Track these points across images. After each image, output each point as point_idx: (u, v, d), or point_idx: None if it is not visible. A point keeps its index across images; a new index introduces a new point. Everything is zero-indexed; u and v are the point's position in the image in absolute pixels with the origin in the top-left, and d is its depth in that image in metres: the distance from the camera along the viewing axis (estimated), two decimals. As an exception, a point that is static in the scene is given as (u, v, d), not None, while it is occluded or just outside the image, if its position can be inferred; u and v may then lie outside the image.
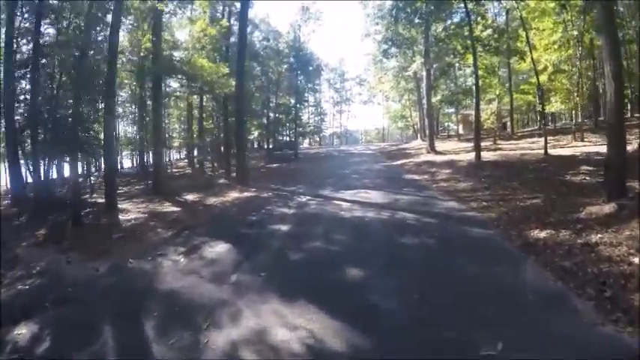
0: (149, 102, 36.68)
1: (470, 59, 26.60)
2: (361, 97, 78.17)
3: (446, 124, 58.29)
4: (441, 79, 41.78)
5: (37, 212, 16.25)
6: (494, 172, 18.09)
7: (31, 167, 19.84)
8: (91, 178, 30.88)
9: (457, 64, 32.45)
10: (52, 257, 10.45)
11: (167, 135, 34.59)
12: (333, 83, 78.36)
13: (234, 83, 24.63)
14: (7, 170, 20.37)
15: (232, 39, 32.08)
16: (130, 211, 16.03)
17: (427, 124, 33.45)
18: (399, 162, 29.27)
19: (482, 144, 28.00)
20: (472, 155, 23.95)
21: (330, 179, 21.98)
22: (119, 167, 40.56)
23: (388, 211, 12.39)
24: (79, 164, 23.14)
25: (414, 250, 8.39)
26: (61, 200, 18.68)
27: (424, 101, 41.13)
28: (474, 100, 24.94)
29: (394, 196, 15.17)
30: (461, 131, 48.74)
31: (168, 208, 16.71)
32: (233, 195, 19.05)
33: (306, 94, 57.96)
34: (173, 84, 32.68)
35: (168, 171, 35.49)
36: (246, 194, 19.08)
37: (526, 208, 11.11)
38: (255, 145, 57.47)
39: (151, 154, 49.99)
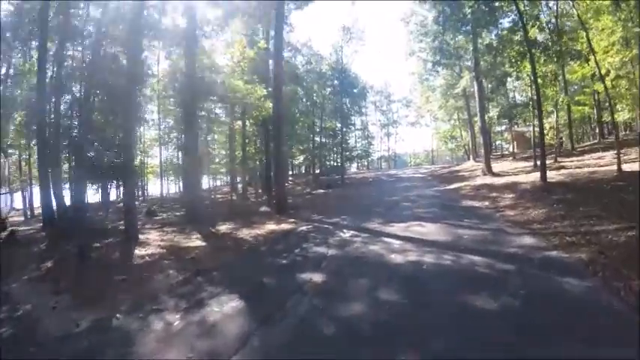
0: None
1: (527, 67, 23.49)
2: (408, 119, 75.28)
3: (497, 142, 54.81)
4: (494, 94, 38.81)
5: (61, 239, 15.03)
6: (567, 196, 15.13)
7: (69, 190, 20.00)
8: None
9: (513, 74, 28.46)
10: (41, 298, 8.75)
11: (209, 160, 32.71)
12: (379, 105, 75.67)
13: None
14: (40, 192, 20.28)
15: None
16: (150, 244, 14.05)
17: (482, 142, 30.29)
18: (453, 186, 26.48)
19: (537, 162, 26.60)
20: (535, 176, 21.33)
21: (378, 208, 19.41)
22: (162, 193, 39.58)
23: (450, 252, 9.57)
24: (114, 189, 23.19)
25: (493, 323, 5.59)
26: (93, 227, 17.63)
27: (476, 119, 38.31)
28: (536, 113, 21.83)
29: (454, 230, 12.36)
30: (513, 149, 45.22)
31: (194, 241, 14.61)
32: (269, 227, 16.82)
33: (352, 117, 55.90)
34: (217, 110, 31.10)
35: (212, 197, 33.89)
36: (283, 226, 16.79)
37: (624, 244, 8.38)
38: (303, 171, 55.85)
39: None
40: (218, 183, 48.36)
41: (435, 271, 8.38)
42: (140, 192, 46.95)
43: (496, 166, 31.01)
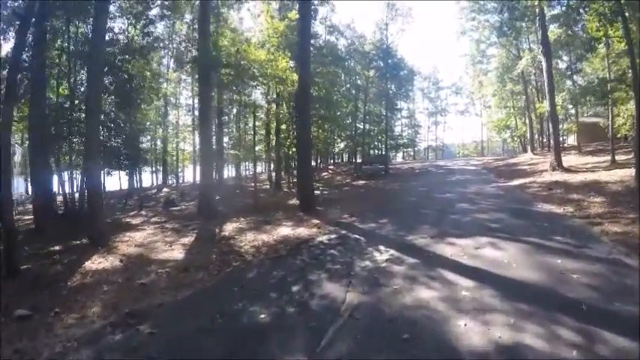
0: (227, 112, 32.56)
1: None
2: (457, 108, 70.40)
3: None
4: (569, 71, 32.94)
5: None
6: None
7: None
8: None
9: (601, 42, 21.63)
10: None
11: (243, 148, 28.58)
12: (427, 92, 70.99)
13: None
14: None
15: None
16: (117, 252, 10.98)
17: (551, 131, 24.58)
18: (516, 182, 21.42)
19: (618, 158, 22.86)
20: (620, 174, 17.57)
21: (428, 209, 14.68)
22: (195, 180, 36.01)
23: (568, 322, 4.80)
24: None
25: None
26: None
27: (542, 104, 32.87)
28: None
29: (548, 258, 7.65)
30: (573, 142, 39.43)
31: (177, 249, 11.37)
32: (283, 231, 12.70)
33: (397, 103, 50.66)
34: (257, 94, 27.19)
35: (244, 185, 31.46)
36: (301, 231, 12.47)
37: None
38: (345, 159, 51.38)
39: (231, 167, 46.67)
40: (259, 169, 45.31)
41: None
42: (174, 179, 44.19)
43: (562, 160, 25.38)
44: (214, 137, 26.65)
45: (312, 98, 22.74)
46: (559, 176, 20.61)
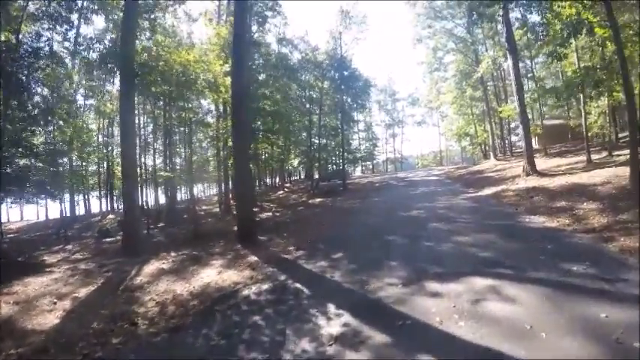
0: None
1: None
2: (414, 119, 69.15)
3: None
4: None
5: None
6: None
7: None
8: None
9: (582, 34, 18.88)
10: None
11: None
12: (383, 104, 69.05)
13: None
14: None
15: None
16: None
17: (522, 133, 21.91)
18: (487, 191, 18.87)
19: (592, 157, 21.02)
20: (604, 174, 15.42)
21: (394, 234, 11.41)
22: (148, 203, 32.14)
23: None
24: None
25: None
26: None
27: (511, 105, 32.11)
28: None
29: (586, 310, 4.94)
30: (536, 146, 36.96)
31: (53, 314, 7.92)
32: (207, 276, 9.57)
33: (354, 115, 48.07)
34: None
35: (196, 209, 26.95)
36: (229, 275, 9.27)
37: None
38: (303, 176, 48.46)
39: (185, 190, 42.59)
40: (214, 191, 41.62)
41: None
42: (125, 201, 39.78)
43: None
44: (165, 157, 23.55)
45: (250, 108, 19.96)
46: (535, 181, 18.11)
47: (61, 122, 22.06)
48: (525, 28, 22.57)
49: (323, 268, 8.69)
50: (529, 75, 34.59)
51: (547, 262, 7.04)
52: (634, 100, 14.03)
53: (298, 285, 7.65)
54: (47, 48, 18.53)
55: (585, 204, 11.72)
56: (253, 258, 10.63)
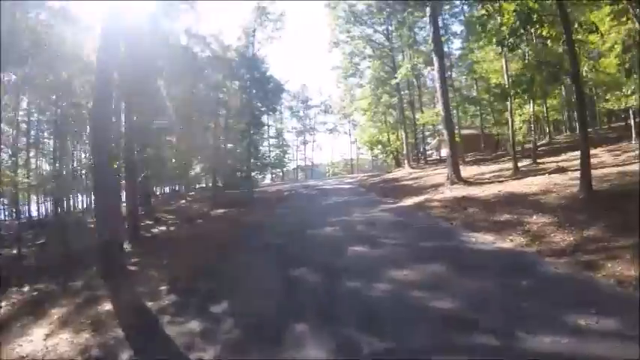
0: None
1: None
2: (326, 126, 67.94)
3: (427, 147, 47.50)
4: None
5: None
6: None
7: None
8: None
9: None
10: None
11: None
12: (295, 111, 67.13)
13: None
14: None
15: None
16: None
17: (446, 136, 19.77)
18: (409, 202, 16.52)
19: (508, 165, 20.26)
20: (539, 182, 13.88)
21: (302, 266, 8.21)
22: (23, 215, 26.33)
23: None
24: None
25: None
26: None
27: (431, 111, 31.68)
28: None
29: None
30: (444, 154, 36.49)
31: None
32: (31, 340, 6.38)
33: (264, 119, 44.92)
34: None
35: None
36: (54, 344, 5.97)
37: None
38: (210, 184, 44.44)
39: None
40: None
41: None
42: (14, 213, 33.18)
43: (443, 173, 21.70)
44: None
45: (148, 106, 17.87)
46: (462, 191, 15.97)
47: None
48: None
49: (192, 336, 5.32)
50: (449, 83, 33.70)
51: (536, 313, 4.75)
52: (583, 98, 12.30)
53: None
54: None
55: (535, 217, 9.63)
56: (106, 307, 7.14)
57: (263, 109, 38.17)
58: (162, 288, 7.91)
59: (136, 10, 19.06)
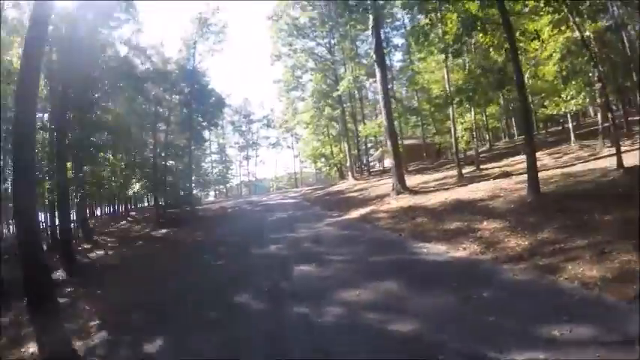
0: None
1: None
2: (269, 141, 66.33)
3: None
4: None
5: None
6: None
7: None
8: None
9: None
10: None
11: None
12: (237, 126, 65.54)
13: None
14: None
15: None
16: None
17: (389, 146, 19.59)
18: (355, 214, 16.14)
19: (453, 172, 20.73)
20: (485, 187, 13.97)
21: (245, 292, 7.78)
22: None
23: None
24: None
25: None
26: None
27: (374, 123, 32.86)
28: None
29: None
30: (387, 164, 37.64)
31: None
32: None
33: (206, 135, 43.73)
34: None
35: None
36: None
37: None
38: (152, 203, 42.50)
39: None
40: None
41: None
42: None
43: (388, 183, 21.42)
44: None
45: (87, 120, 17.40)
46: (409, 200, 15.73)
47: None
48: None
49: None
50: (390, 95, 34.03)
51: (505, 328, 4.44)
52: (527, 103, 12.44)
53: None
54: None
55: (486, 222, 9.53)
56: (30, 349, 6.23)
57: (204, 123, 36.90)
58: (92, 324, 7.07)
59: (71, 15, 17.96)
